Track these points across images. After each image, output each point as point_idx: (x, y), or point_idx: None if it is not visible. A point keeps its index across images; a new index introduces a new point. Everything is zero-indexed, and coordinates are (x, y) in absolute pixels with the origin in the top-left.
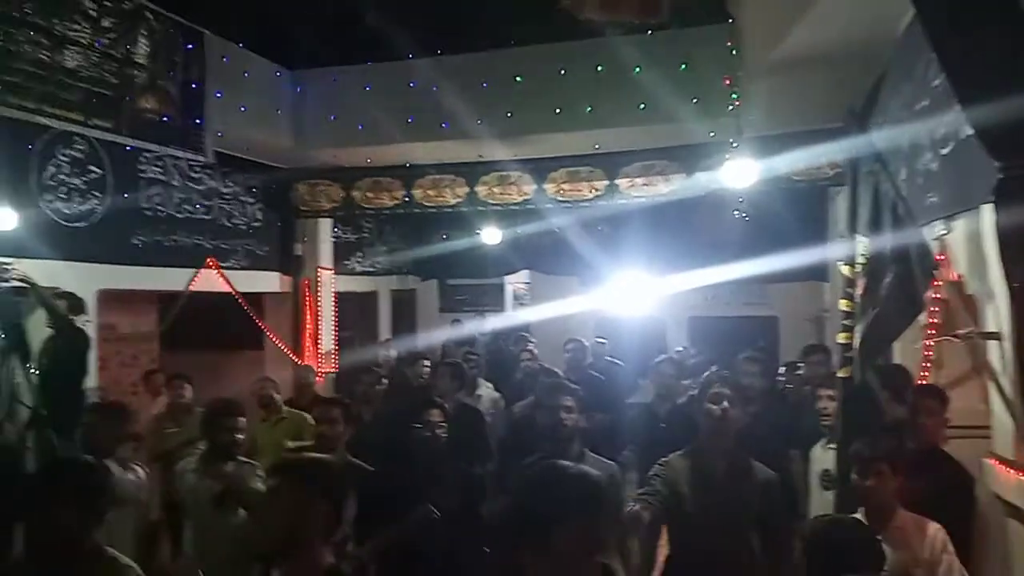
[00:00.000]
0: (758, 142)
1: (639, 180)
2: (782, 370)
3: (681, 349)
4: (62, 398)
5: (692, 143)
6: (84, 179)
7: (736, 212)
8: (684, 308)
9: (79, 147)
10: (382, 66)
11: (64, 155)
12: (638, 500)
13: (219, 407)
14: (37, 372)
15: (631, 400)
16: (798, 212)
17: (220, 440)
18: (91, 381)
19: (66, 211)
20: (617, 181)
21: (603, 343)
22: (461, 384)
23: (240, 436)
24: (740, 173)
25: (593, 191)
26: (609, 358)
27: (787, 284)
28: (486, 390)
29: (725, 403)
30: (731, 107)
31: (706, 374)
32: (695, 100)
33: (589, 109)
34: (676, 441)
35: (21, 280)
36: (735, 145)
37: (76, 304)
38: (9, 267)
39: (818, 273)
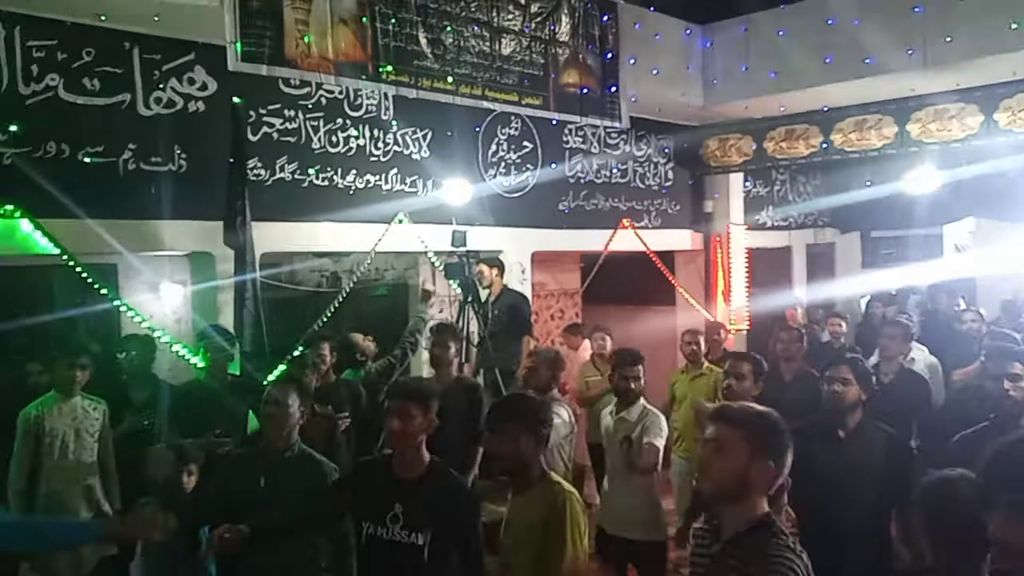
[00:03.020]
0: None
1: None
2: None
3: None
4: (506, 345)
5: None
6: (519, 154)
7: None
8: None
9: (514, 125)
10: (796, 7)
11: (503, 133)
12: None
13: (619, 356)
14: (491, 322)
15: None
16: None
17: (619, 387)
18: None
19: (506, 183)
20: None
21: None
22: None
23: (636, 384)
24: None
25: None
26: None
27: None
28: (920, 353)
29: None
30: None
31: None
32: None
33: None
34: None
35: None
36: None
37: (499, 266)
38: (464, 234)
39: None
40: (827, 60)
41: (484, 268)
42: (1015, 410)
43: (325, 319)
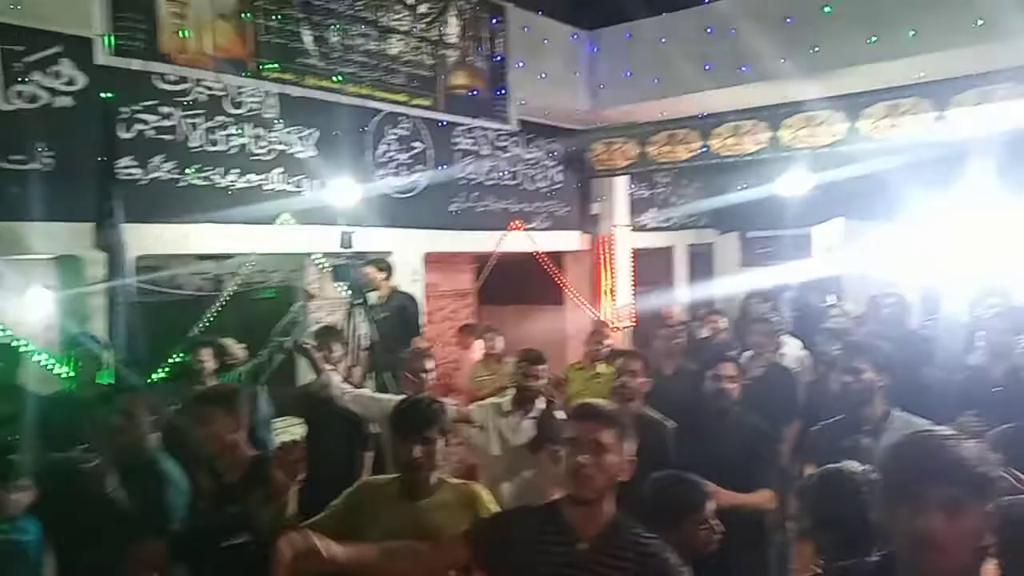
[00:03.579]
0: None
1: (976, 109)
2: None
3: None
4: (396, 348)
5: None
6: (409, 154)
7: None
8: None
9: (404, 125)
10: (677, 15)
11: (392, 133)
12: None
13: (524, 356)
14: (377, 325)
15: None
16: None
17: (521, 386)
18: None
19: (396, 184)
20: (947, 112)
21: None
22: (775, 342)
23: (541, 382)
24: None
25: (918, 125)
26: (931, 317)
27: None
28: (791, 347)
29: None
30: None
31: None
32: None
33: (912, 33)
34: (1012, 405)
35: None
36: None
37: (387, 268)
38: (352, 235)
39: None
40: (706, 67)
41: (371, 270)
42: (857, 400)
43: (206, 324)
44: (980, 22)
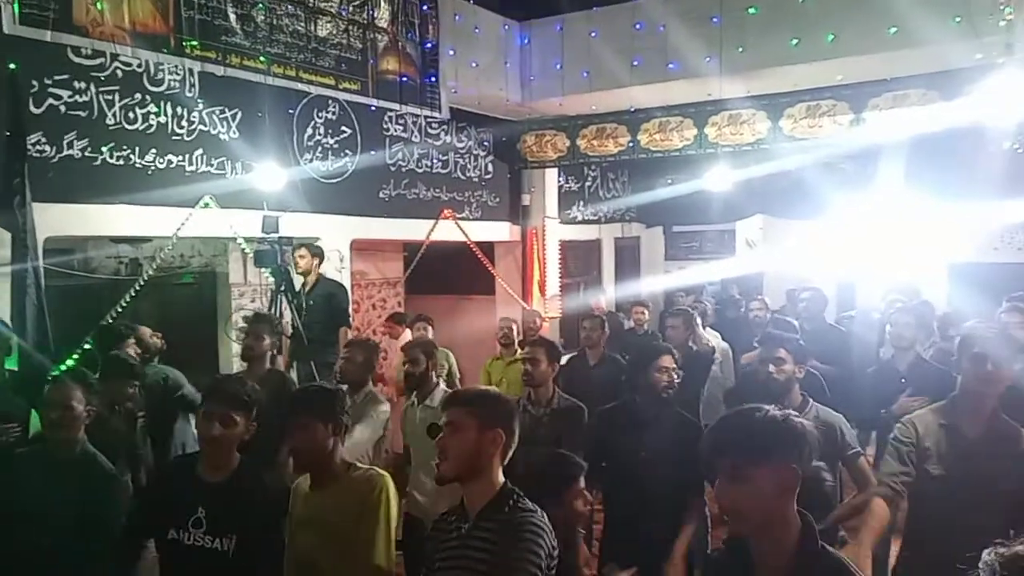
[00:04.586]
0: None
1: (890, 112)
2: None
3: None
4: (322, 336)
5: (952, 68)
6: (337, 139)
7: (1010, 144)
8: (943, 254)
9: (332, 109)
10: (607, 10)
11: (320, 117)
12: (888, 483)
13: (410, 345)
14: (306, 312)
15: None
16: None
17: (407, 372)
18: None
19: (323, 168)
20: (864, 115)
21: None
22: (691, 332)
23: (416, 370)
24: (1015, 98)
25: (836, 126)
26: (847, 312)
27: None
28: (713, 339)
29: (989, 365)
30: (1003, 22)
31: (967, 324)
32: (957, 19)
33: (831, 37)
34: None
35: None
36: (1005, 65)
37: (319, 253)
38: (277, 220)
39: None
40: (635, 63)
41: (304, 253)
42: (780, 391)
43: (120, 309)
44: (894, 30)
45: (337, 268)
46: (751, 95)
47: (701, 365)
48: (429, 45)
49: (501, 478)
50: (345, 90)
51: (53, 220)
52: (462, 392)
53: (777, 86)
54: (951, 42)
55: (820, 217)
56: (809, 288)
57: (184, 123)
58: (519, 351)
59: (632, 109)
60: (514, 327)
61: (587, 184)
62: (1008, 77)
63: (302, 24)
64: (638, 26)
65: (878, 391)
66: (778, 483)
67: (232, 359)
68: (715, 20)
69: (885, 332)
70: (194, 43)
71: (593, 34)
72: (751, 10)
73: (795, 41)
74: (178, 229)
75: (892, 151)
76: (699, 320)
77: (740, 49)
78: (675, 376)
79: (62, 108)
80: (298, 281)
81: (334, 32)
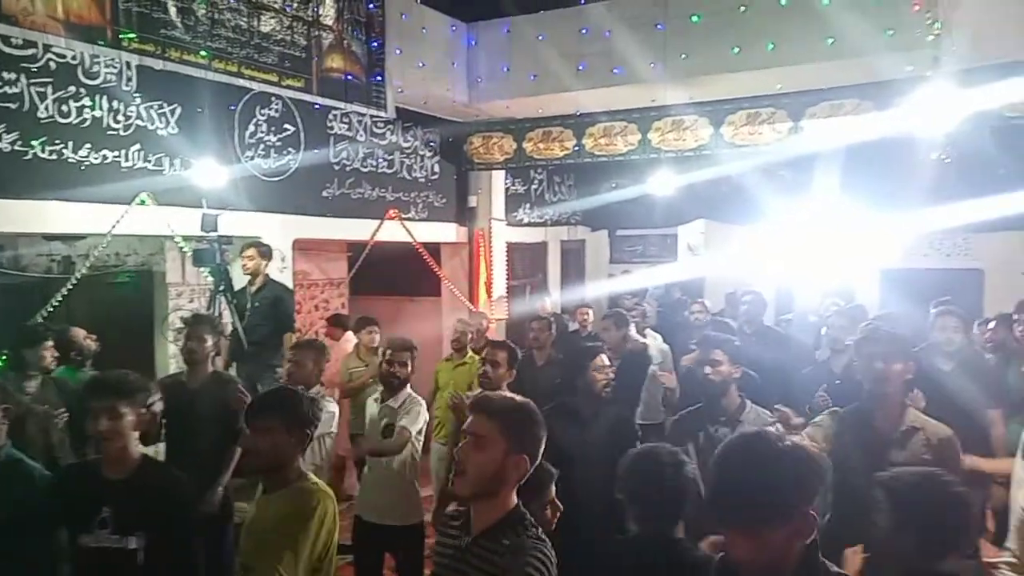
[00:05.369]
0: (963, 75)
1: (826, 121)
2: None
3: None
4: (266, 340)
5: (886, 79)
6: (280, 136)
7: (937, 154)
8: (875, 259)
9: (275, 106)
10: (553, 14)
11: (262, 114)
12: None
13: (389, 342)
14: (249, 314)
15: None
16: (1012, 152)
17: (385, 372)
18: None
19: (265, 166)
20: (801, 123)
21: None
22: (624, 333)
23: (402, 370)
24: (943, 110)
25: (775, 134)
26: (784, 316)
27: (996, 233)
28: (654, 341)
29: (880, 362)
30: (931, 37)
31: (864, 325)
32: (890, 32)
33: (771, 47)
34: (850, 398)
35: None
36: (933, 78)
37: (267, 252)
38: (216, 218)
39: None
40: (581, 67)
41: (253, 253)
42: (715, 391)
43: (52, 309)
44: (831, 40)
45: (279, 268)
46: (694, 102)
47: (638, 365)
48: (375, 44)
49: (514, 499)
50: (289, 87)
51: None
52: (497, 402)
53: (719, 93)
54: (884, 54)
55: (760, 223)
56: (749, 291)
57: (120, 117)
58: (470, 354)
59: (578, 113)
60: (469, 330)
61: (533, 187)
62: (935, 90)
63: (244, 19)
64: (584, 31)
65: (813, 392)
66: (797, 533)
67: (169, 361)
68: (659, 27)
69: (821, 334)
70: (132, 36)
71: (540, 37)
72: (694, 18)
73: (736, 49)
74: (113, 226)
75: (828, 159)
76: (634, 323)
77: (684, 56)
78: (610, 375)
79: None
80: (242, 282)
81: (278, 28)
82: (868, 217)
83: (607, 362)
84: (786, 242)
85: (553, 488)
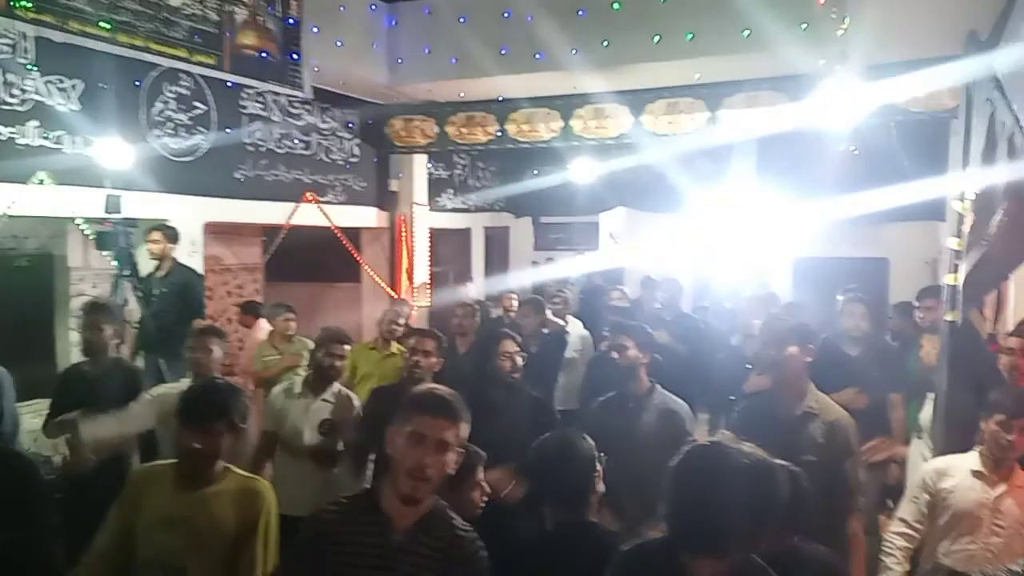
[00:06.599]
0: (870, 71)
1: (742, 112)
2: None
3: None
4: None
5: (800, 73)
6: (189, 115)
7: (846, 146)
8: (789, 248)
9: (184, 84)
10: None
11: (171, 91)
12: None
13: (326, 334)
14: (156, 300)
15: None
16: (915, 146)
17: (323, 364)
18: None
19: (173, 146)
20: (719, 113)
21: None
22: (542, 319)
23: (341, 363)
24: (851, 104)
25: (693, 123)
26: (701, 303)
27: (901, 224)
28: (575, 327)
29: (774, 349)
30: (840, 32)
31: (769, 312)
32: (804, 26)
33: (690, 37)
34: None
35: None
36: (842, 73)
37: (173, 236)
38: (120, 199)
39: (935, 212)
40: (503, 52)
41: (159, 236)
42: (623, 376)
43: None
44: (747, 33)
45: (189, 252)
46: (614, 90)
47: (555, 348)
48: (292, 21)
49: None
50: (199, 64)
51: None
52: (462, 410)
53: (640, 82)
54: (798, 47)
55: (678, 211)
56: (666, 278)
57: (16, 92)
58: (395, 346)
59: (500, 98)
60: (402, 319)
61: (457, 172)
62: (843, 84)
63: None
64: (506, 14)
65: (726, 375)
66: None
67: (70, 349)
68: (581, 13)
69: (735, 321)
70: (27, 4)
71: (462, 20)
72: (615, 6)
73: (657, 38)
74: (8, 207)
75: (744, 150)
76: (556, 309)
77: (605, 43)
78: (519, 360)
79: None
80: (149, 266)
81: (188, 2)
82: (782, 207)
83: (515, 347)
84: (704, 231)
85: (481, 471)
